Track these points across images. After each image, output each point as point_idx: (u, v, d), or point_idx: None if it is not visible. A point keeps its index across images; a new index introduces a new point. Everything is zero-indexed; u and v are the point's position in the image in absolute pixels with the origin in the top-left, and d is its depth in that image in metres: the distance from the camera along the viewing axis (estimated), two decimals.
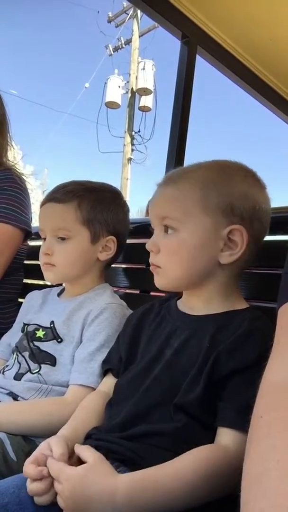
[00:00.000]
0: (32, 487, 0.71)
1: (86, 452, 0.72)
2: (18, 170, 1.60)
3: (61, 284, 1.30)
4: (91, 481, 0.67)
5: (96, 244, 1.17)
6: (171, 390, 0.79)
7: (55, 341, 1.12)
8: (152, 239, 0.90)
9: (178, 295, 0.99)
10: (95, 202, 1.17)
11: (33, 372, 1.09)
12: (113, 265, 1.49)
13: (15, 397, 1.07)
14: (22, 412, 1.00)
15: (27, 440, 0.99)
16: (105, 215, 1.18)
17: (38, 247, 1.21)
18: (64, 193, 1.16)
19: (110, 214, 1.19)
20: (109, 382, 0.98)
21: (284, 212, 1.05)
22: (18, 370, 1.12)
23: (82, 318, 1.11)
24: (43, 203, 1.20)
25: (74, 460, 0.75)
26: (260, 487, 0.43)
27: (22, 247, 1.60)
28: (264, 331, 0.76)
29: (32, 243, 1.69)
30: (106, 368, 1.00)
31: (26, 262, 1.68)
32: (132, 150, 13.74)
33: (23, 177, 1.59)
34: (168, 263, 0.87)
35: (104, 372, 1.01)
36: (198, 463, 0.69)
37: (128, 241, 1.31)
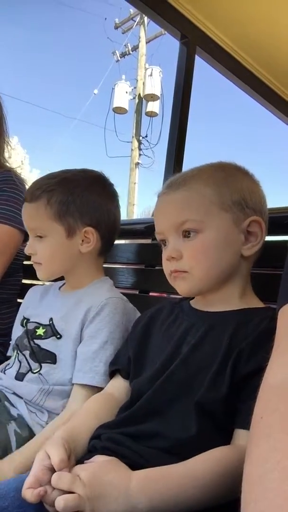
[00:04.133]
0: (35, 491, 0.69)
1: (99, 457, 0.74)
2: (17, 172, 1.60)
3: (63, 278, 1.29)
4: (108, 469, 0.69)
5: (74, 238, 1.13)
6: (186, 386, 0.79)
7: (54, 337, 1.11)
8: (171, 246, 0.89)
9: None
10: (65, 194, 1.12)
11: (34, 371, 1.09)
12: (112, 265, 1.49)
13: (19, 397, 1.08)
14: None
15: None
16: (78, 206, 1.12)
17: None
18: (35, 191, 1.13)
19: (84, 203, 1.13)
20: (117, 383, 0.97)
21: (285, 212, 1.05)
22: (19, 369, 1.12)
23: (82, 314, 1.09)
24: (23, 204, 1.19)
25: (73, 463, 0.75)
26: (260, 488, 0.43)
27: (22, 248, 1.60)
28: None
29: None
30: (114, 369, 0.99)
31: (25, 263, 1.68)
32: (140, 155, 13.96)
33: (22, 178, 1.59)
34: (195, 266, 0.86)
35: (112, 373, 1.00)
36: (213, 463, 0.69)
37: (127, 241, 1.31)
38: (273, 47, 2.47)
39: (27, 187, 1.60)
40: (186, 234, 0.87)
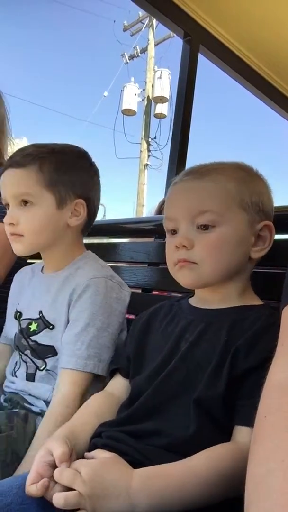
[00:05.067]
0: (39, 484, 0.69)
1: (101, 453, 0.74)
2: None
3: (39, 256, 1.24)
4: (109, 467, 0.69)
5: (63, 209, 1.09)
6: (186, 384, 0.79)
7: (47, 329, 1.10)
8: (183, 234, 0.87)
9: (189, 295, 0.99)
10: (58, 163, 1.08)
11: (41, 369, 1.09)
12: (115, 264, 1.49)
13: (36, 397, 1.08)
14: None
15: None
16: (71, 177, 1.09)
17: None
18: (24, 156, 1.07)
19: (76, 175, 1.10)
20: (117, 382, 0.97)
21: None
22: (27, 370, 1.12)
23: (67, 298, 1.07)
24: (2, 171, 1.11)
25: (74, 460, 0.75)
26: (264, 487, 0.43)
27: None
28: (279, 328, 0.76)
29: None
30: (114, 368, 0.99)
31: (28, 261, 1.68)
32: (149, 156, 14.09)
33: None
34: (205, 259, 0.85)
35: (112, 373, 1.00)
36: (213, 460, 0.69)
37: (131, 240, 1.31)
38: (276, 45, 2.46)
39: None
40: (202, 226, 0.86)
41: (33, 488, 0.69)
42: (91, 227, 1.21)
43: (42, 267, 1.24)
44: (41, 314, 1.12)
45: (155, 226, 1.45)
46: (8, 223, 1.08)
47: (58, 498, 0.65)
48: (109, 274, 1.11)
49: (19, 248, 1.11)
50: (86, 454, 0.77)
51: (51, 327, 1.09)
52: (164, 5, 2.10)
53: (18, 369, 1.15)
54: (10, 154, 1.62)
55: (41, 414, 1.04)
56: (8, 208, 1.11)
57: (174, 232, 0.91)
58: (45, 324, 1.11)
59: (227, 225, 0.85)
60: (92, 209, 1.16)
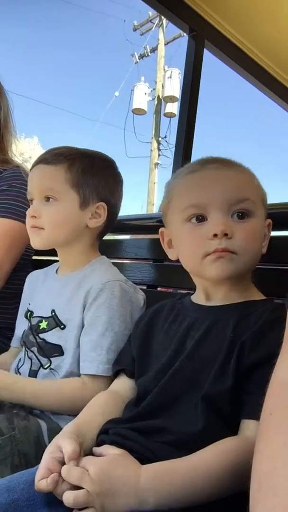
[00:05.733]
0: (49, 478, 0.70)
1: (109, 449, 0.74)
2: (26, 168, 1.60)
3: (54, 256, 1.27)
4: (118, 465, 0.69)
5: (85, 210, 1.12)
6: (193, 381, 0.79)
7: (58, 328, 1.11)
8: (223, 221, 0.82)
9: (190, 292, 0.99)
10: (86, 166, 1.12)
11: (45, 367, 1.10)
12: (120, 261, 1.49)
13: None
14: (47, 394, 1.03)
15: None
16: (96, 180, 1.13)
17: None
18: (54, 155, 1.13)
19: (102, 180, 1.14)
20: (121, 382, 0.97)
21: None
22: (31, 366, 1.12)
23: (81, 300, 1.09)
24: (32, 166, 1.16)
25: (82, 456, 0.75)
26: (269, 485, 0.43)
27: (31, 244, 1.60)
28: (284, 322, 0.76)
29: None
30: (118, 369, 0.99)
31: (34, 257, 1.69)
32: (159, 155, 14.22)
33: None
34: (245, 249, 0.83)
35: (116, 373, 1.00)
36: (221, 454, 0.69)
37: (135, 236, 1.31)
38: (282, 40, 2.45)
39: None
40: (239, 214, 0.84)
41: (42, 484, 0.69)
42: (106, 233, 1.25)
43: (56, 269, 1.26)
44: (53, 313, 1.13)
45: (160, 222, 1.45)
46: (30, 216, 1.12)
47: (68, 497, 0.66)
48: (123, 279, 1.14)
49: (37, 241, 1.14)
50: (95, 449, 0.77)
51: (62, 326, 1.10)
52: (169, 0, 2.09)
53: (22, 365, 1.16)
54: (14, 151, 1.63)
55: (40, 415, 1.04)
56: (31, 204, 1.15)
57: (200, 219, 0.86)
58: (56, 323, 1.11)
59: (257, 217, 0.86)
60: (112, 214, 1.19)
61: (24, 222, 1.46)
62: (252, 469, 0.47)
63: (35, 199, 1.13)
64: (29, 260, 1.65)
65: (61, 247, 1.19)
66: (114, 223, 1.23)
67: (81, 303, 1.09)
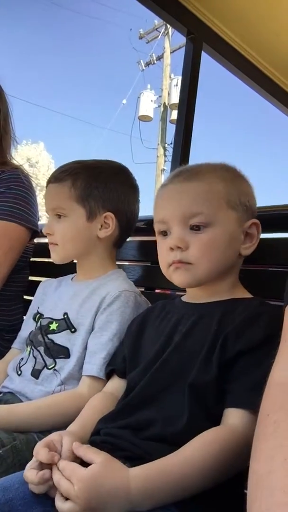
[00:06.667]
0: (28, 474, 0.72)
1: (90, 454, 0.71)
2: (25, 170, 1.61)
3: (75, 271, 1.29)
4: (104, 478, 0.67)
5: (93, 222, 1.16)
6: (180, 373, 0.81)
7: (68, 331, 1.12)
8: (177, 235, 0.89)
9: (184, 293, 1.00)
10: (90, 178, 1.16)
11: (49, 367, 1.10)
12: (117, 262, 1.49)
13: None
14: (40, 415, 1.00)
15: None
16: (101, 191, 1.16)
17: (44, 244, 1.22)
18: (60, 173, 1.18)
19: (107, 190, 1.17)
20: (115, 383, 0.99)
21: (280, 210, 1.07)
22: (34, 365, 1.13)
23: (95, 305, 1.11)
24: (46, 185, 1.22)
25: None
26: (266, 485, 0.43)
27: (29, 246, 1.61)
28: (271, 313, 0.79)
29: (37, 240, 1.70)
30: (110, 369, 1.00)
31: (32, 259, 1.69)
32: (165, 161, 14.42)
33: (29, 176, 1.59)
34: (201, 259, 0.87)
35: (109, 374, 1.01)
36: (207, 447, 0.70)
37: (133, 238, 1.31)
38: (280, 42, 2.45)
39: (34, 184, 1.60)
40: (195, 227, 0.88)
41: (43, 452, 0.73)
42: (124, 241, 1.27)
43: (72, 278, 1.29)
44: (65, 316, 1.14)
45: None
46: (45, 233, 1.19)
47: (57, 506, 0.68)
48: (138, 292, 1.17)
49: (54, 257, 1.21)
50: (76, 450, 0.74)
51: (73, 330, 1.12)
52: (167, 3, 2.10)
53: (24, 364, 1.16)
54: (13, 154, 1.63)
55: None
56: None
57: (165, 233, 0.93)
58: (68, 325, 1.13)
59: (218, 225, 0.87)
60: (124, 222, 1.20)
61: (22, 225, 1.47)
62: (249, 470, 0.47)
63: (50, 217, 1.19)
64: (27, 262, 1.66)
65: (77, 259, 1.24)
66: (130, 230, 1.26)
67: (95, 309, 1.11)
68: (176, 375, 0.81)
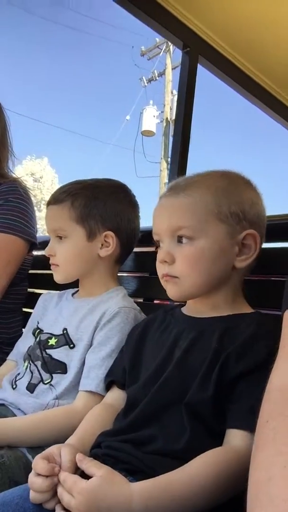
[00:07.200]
0: (38, 481, 0.71)
1: (91, 468, 0.70)
2: (22, 182, 1.61)
3: (76, 285, 1.30)
4: (105, 492, 0.66)
5: (94, 241, 1.16)
6: (181, 391, 0.80)
7: (67, 346, 1.11)
8: (165, 249, 0.89)
9: (182, 304, 1.00)
10: (89, 199, 1.16)
11: (45, 382, 1.09)
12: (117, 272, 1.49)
13: (24, 413, 1.06)
14: (34, 429, 0.99)
15: None
16: (100, 210, 1.16)
17: (42, 256, 1.22)
18: (60, 194, 1.18)
19: (106, 209, 1.17)
20: (114, 394, 0.98)
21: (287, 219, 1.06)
22: (30, 380, 1.12)
23: (95, 321, 1.10)
24: (46, 207, 1.22)
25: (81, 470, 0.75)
26: (266, 493, 0.42)
27: (28, 258, 1.60)
28: (272, 334, 0.77)
29: (36, 253, 1.70)
30: (109, 380, 0.99)
31: (30, 271, 1.69)
32: (168, 175, 14.47)
33: (27, 188, 1.60)
34: (186, 273, 0.87)
35: (108, 385, 1.00)
36: (209, 466, 0.69)
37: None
38: (275, 55, 2.48)
39: (32, 197, 1.61)
40: (180, 239, 0.87)
41: (42, 463, 0.72)
42: (126, 258, 1.28)
43: (73, 293, 1.29)
44: (65, 331, 1.14)
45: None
46: (47, 254, 1.19)
47: None
48: (138, 309, 1.16)
49: (56, 277, 1.21)
50: (79, 463, 0.73)
51: (71, 345, 1.11)
52: (163, 16, 2.12)
53: (20, 378, 1.15)
54: (11, 167, 1.64)
55: None
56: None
57: (159, 245, 0.93)
58: (66, 341, 1.12)
59: (203, 239, 0.86)
60: (125, 239, 1.20)
61: (21, 237, 1.47)
62: (249, 477, 0.46)
63: (51, 238, 1.19)
64: (25, 275, 1.66)
65: (79, 278, 1.23)
66: (132, 247, 1.26)
67: (94, 325, 1.10)
68: (177, 394, 0.80)
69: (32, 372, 1.13)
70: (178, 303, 1.03)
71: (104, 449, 0.80)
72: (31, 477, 0.72)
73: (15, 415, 1.07)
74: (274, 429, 0.48)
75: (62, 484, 0.70)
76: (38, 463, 0.73)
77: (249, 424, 0.69)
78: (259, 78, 2.65)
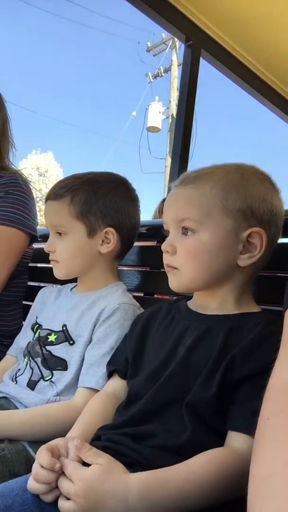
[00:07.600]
0: (44, 473, 0.70)
1: (90, 457, 0.71)
2: (23, 175, 1.61)
3: (75, 280, 1.29)
4: (104, 479, 0.66)
5: (94, 238, 1.15)
6: (183, 388, 0.79)
7: (66, 343, 1.11)
8: (168, 239, 0.89)
9: (188, 296, 0.99)
10: (89, 194, 1.14)
11: (46, 379, 1.09)
12: (117, 268, 1.49)
13: (26, 407, 1.06)
14: (35, 423, 0.99)
15: None
16: (100, 206, 1.14)
17: (42, 249, 1.22)
18: (59, 189, 1.16)
19: (106, 204, 1.15)
20: (115, 383, 0.98)
21: None
22: (31, 376, 1.12)
23: (94, 317, 1.10)
24: (45, 201, 1.20)
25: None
26: (267, 490, 0.42)
27: (28, 251, 1.60)
28: (279, 336, 0.76)
29: (36, 246, 1.70)
30: (112, 369, 0.99)
31: (30, 265, 1.68)
32: None
33: (28, 181, 1.59)
34: (185, 265, 0.87)
35: (110, 374, 1.00)
36: (210, 466, 0.69)
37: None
38: (277, 49, 2.47)
39: (32, 189, 1.60)
40: (185, 231, 0.87)
41: (45, 455, 0.71)
42: (127, 252, 1.26)
43: (71, 288, 1.28)
44: (64, 328, 1.13)
45: (157, 230, 1.45)
46: (47, 251, 1.17)
47: (59, 505, 0.68)
48: (138, 305, 1.16)
49: (56, 273, 1.19)
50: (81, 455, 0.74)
51: (71, 342, 1.11)
52: (165, 10, 2.12)
53: (20, 374, 1.15)
54: (11, 159, 1.63)
55: None
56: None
57: (167, 234, 0.93)
58: (66, 338, 1.12)
59: (206, 232, 0.84)
60: (125, 235, 1.19)
61: (21, 230, 1.47)
62: (250, 474, 0.46)
63: (50, 234, 1.18)
64: (26, 267, 1.65)
65: (79, 274, 1.22)
66: (132, 242, 1.25)
67: (93, 321, 1.10)
68: (180, 391, 0.79)
69: (32, 369, 1.12)
70: (183, 296, 1.02)
71: (104, 441, 0.80)
72: (36, 467, 0.72)
73: (17, 408, 1.07)
74: (275, 426, 0.48)
75: (63, 470, 0.70)
76: (42, 454, 0.72)
77: (251, 427, 0.69)
78: (262, 73, 2.65)
